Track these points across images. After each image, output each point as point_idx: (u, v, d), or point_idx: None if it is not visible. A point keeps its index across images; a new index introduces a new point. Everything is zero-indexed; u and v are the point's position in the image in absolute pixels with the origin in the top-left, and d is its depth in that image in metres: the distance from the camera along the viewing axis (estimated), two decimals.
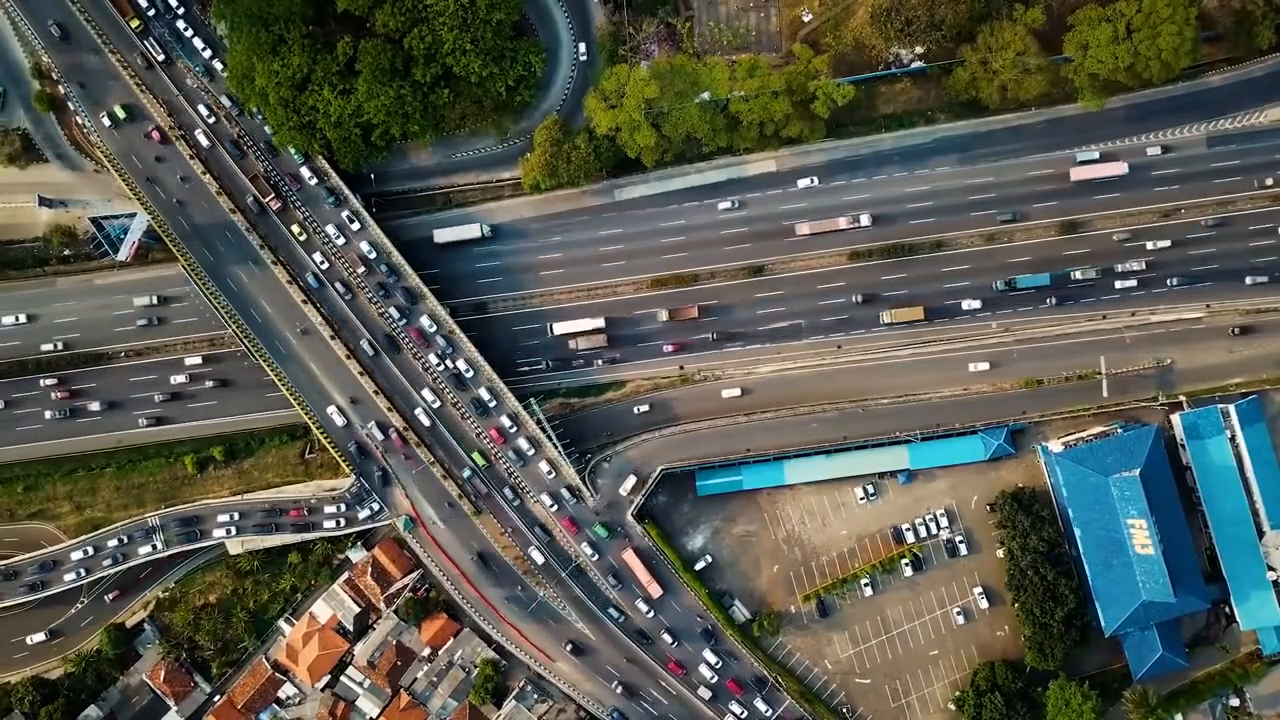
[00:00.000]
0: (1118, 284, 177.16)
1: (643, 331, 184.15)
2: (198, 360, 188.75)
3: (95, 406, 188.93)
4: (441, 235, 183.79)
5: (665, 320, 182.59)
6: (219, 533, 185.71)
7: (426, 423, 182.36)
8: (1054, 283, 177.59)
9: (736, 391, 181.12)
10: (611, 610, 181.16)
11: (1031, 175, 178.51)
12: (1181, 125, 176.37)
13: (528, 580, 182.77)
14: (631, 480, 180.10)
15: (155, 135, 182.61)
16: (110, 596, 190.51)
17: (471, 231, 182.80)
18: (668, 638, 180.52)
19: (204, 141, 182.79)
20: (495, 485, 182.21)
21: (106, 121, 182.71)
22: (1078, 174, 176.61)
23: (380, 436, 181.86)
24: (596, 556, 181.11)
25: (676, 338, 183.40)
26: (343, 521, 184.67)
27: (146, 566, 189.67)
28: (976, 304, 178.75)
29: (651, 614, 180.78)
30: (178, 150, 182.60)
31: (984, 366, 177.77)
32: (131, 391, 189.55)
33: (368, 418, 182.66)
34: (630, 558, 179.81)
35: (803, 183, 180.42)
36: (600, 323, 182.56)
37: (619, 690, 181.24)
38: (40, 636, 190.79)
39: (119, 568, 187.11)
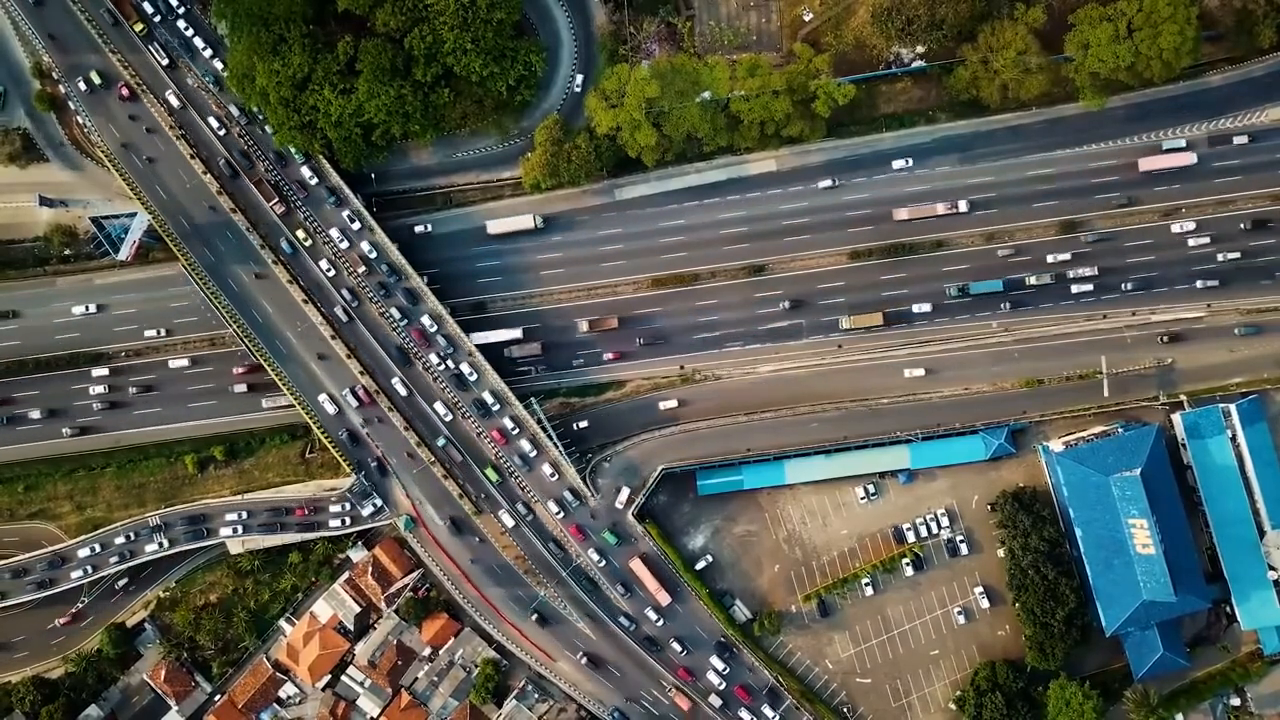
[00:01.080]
0: (1073, 289, 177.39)
1: (571, 341, 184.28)
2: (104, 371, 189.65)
3: (35, 414, 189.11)
4: (495, 226, 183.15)
5: (586, 331, 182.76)
6: (226, 531, 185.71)
7: (404, 391, 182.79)
8: (1007, 288, 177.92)
9: (674, 403, 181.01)
10: (622, 619, 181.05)
11: (1096, 166, 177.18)
12: (1182, 125, 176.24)
13: (528, 580, 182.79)
14: (626, 492, 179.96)
15: (124, 92, 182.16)
16: (62, 621, 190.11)
17: (525, 222, 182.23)
18: (677, 646, 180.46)
19: (175, 102, 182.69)
20: (509, 501, 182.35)
21: (82, 85, 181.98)
22: (1147, 164, 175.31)
23: (354, 403, 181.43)
24: (604, 563, 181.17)
25: (612, 346, 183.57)
26: (348, 520, 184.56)
27: (145, 568, 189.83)
28: (927, 308, 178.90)
29: (661, 622, 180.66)
30: (149, 109, 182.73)
31: (920, 373, 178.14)
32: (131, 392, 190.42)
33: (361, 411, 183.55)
34: (638, 566, 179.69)
35: (898, 164, 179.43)
36: (518, 333, 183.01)
37: (583, 660, 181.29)
38: None
39: (126, 564, 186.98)
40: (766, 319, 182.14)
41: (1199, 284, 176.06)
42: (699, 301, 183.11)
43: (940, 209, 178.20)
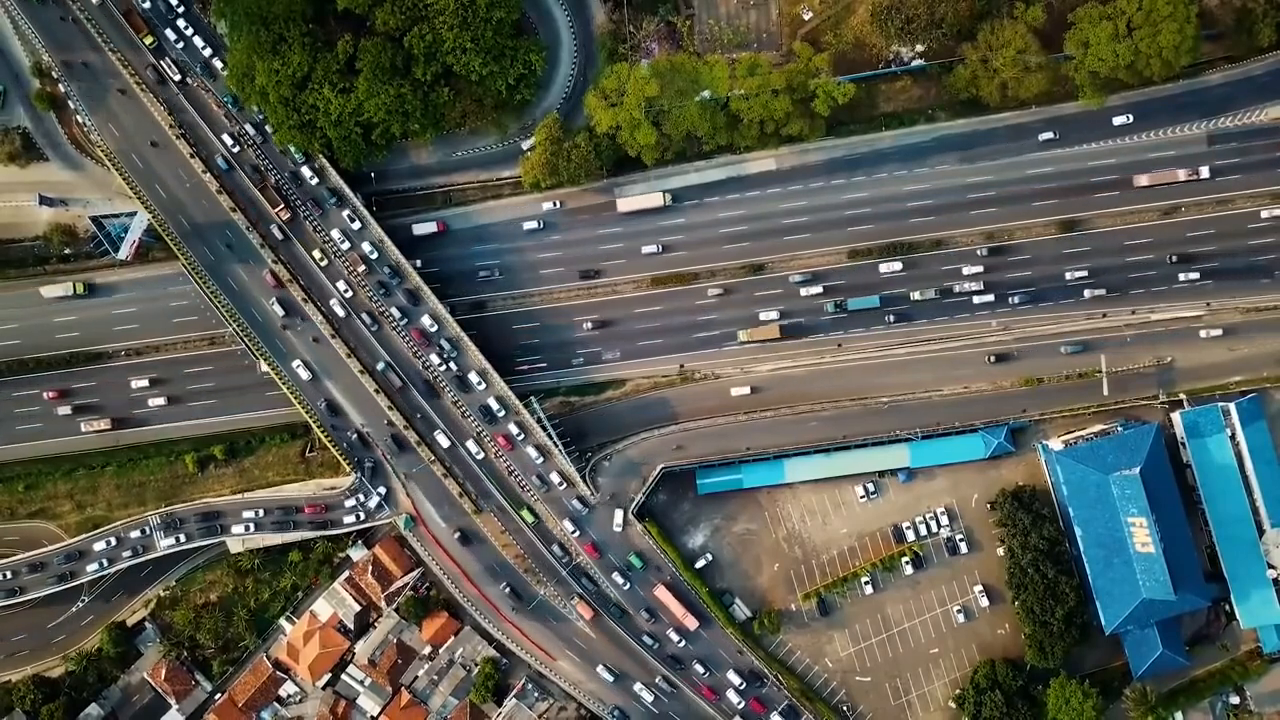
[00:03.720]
0: (975, 299, 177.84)
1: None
2: None
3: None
4: (625, 204, 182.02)
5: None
6: (239, 528, 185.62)
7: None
8: (884, 303, 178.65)
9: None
10: (645, 638, 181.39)
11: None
12: (1182, 123, 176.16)
13: (528, 579, 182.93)
14: (620, 515, 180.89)
15: None
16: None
17: (655, 200, 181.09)
18: (699, 668, 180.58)
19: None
20: (545, 541, 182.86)
21: None
22: None
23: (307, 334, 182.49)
24: (628, 586, 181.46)
25: None
26: (362, 514, 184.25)
27: (145, 567, 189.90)
28: (774, 314, 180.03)
29: (683, 643, 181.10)
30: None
31: (745, 391, 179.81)
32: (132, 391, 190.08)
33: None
34: (663, 594, 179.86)
35: (1118, 120, 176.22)
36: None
37: (456, 537, 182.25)
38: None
39: (139, 559, 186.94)
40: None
41: (1086, 293, 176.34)
42: (698, 301, 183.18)
43: (1182, 174, 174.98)
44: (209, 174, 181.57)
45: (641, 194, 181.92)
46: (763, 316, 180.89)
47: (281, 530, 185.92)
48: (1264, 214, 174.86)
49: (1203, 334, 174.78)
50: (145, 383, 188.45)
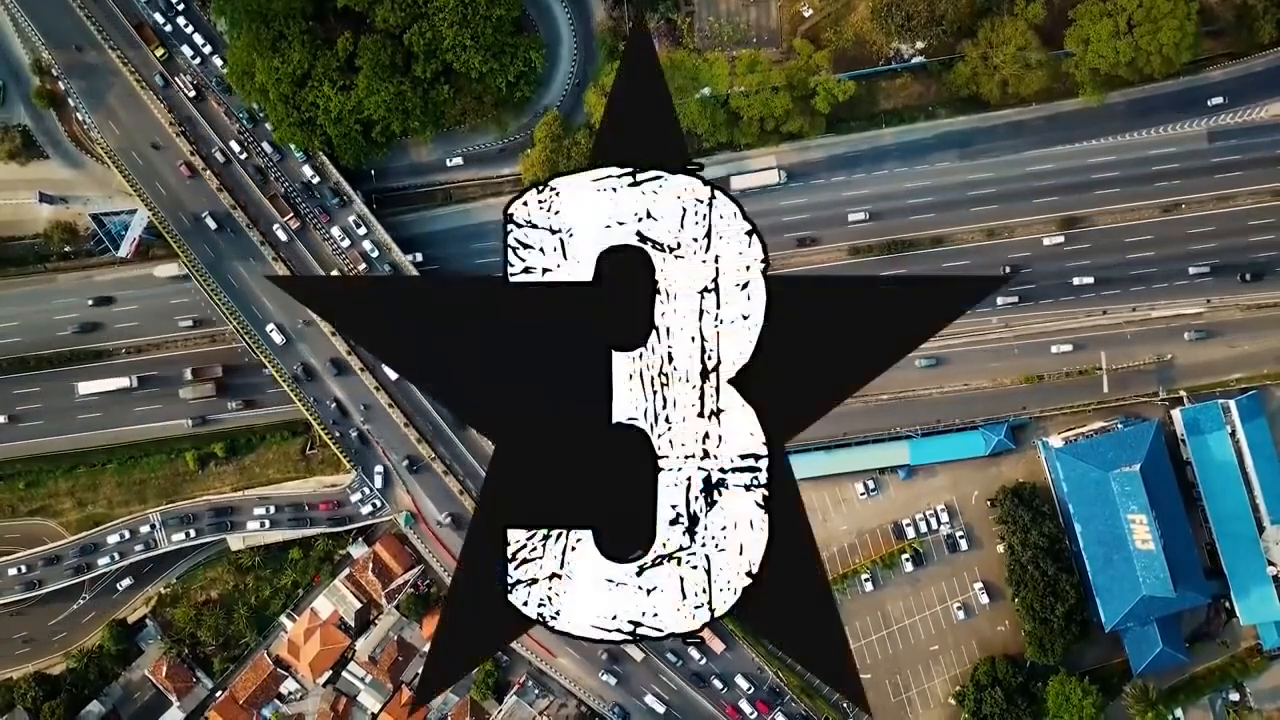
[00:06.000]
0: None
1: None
2: None
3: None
4: (739, 182, 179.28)
5: (190, 379, 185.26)
6: (254, 524, 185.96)
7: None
8: None
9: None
10: (669, 654, 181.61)
11: None
12: (1182, 120, 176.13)
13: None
14: None
15: None
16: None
17: (770, 177, 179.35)
18: (719, 684, 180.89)
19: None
20: None
21: None
22: None
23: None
24: None
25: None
26: (378, 503, 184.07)
27: (146, 565, 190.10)
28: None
29: (704, 660, 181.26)
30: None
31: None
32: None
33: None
34: None
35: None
36: (126, 381, 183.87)
37: (404, 464, 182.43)
38: None
39: (149, 553, 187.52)
40: None
41: (999, 300, 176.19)
42: None
43: None
44: (209, 170, 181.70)
45: (756, 173, 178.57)
46: None
47: (298, 526, 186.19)
48: (1046, 241, 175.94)
49: (1055, 347, 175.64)
50: None
